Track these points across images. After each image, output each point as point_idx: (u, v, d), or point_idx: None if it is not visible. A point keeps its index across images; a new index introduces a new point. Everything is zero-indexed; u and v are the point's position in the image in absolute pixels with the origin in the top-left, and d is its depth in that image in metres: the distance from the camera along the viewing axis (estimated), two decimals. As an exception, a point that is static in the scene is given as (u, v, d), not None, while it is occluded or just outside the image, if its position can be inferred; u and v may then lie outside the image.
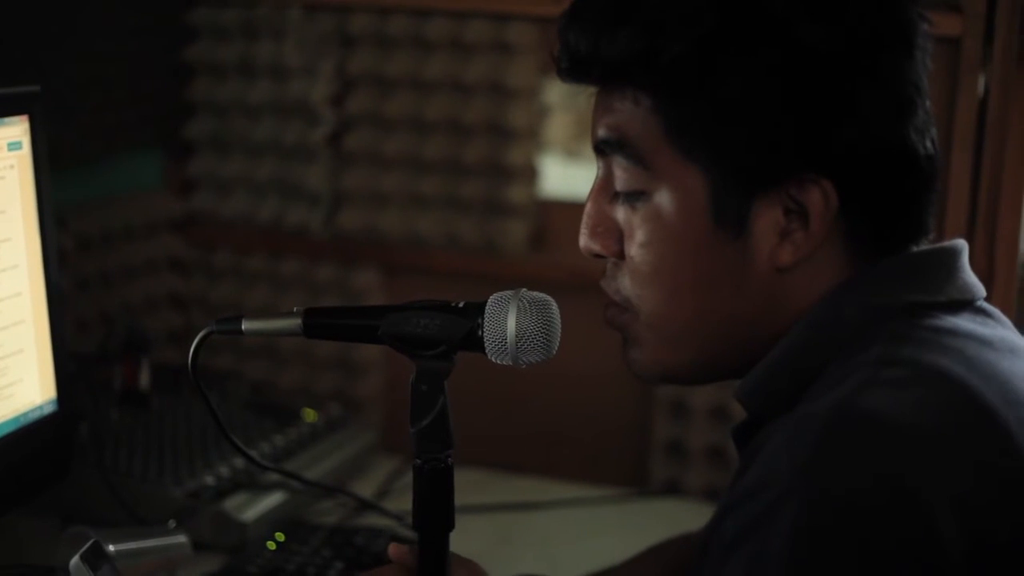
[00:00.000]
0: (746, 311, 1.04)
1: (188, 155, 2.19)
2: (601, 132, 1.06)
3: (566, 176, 2.19)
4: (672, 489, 1.95)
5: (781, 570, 0.87)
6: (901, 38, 1.02)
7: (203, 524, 1.56)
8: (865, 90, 0.99)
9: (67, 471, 1.49)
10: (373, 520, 1.68)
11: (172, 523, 1.50)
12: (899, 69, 1.01)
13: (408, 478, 1.07)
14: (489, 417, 1.97)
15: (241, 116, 2.13)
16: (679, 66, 1.00)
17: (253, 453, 1.56)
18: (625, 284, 1.07)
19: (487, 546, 1.64)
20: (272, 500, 1.65)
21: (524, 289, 1.05)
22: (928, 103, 1.04)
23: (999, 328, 1.03)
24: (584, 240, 1.09)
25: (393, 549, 1.12)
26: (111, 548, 1.33)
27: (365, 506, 1.72)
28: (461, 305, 1.05)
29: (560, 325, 1.04)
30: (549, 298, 1.05)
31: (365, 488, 1.80)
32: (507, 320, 1.02)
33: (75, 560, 1.16)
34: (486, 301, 1.04)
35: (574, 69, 1.06)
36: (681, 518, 1.68)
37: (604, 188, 1.08)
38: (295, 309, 1.08)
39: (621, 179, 1.05)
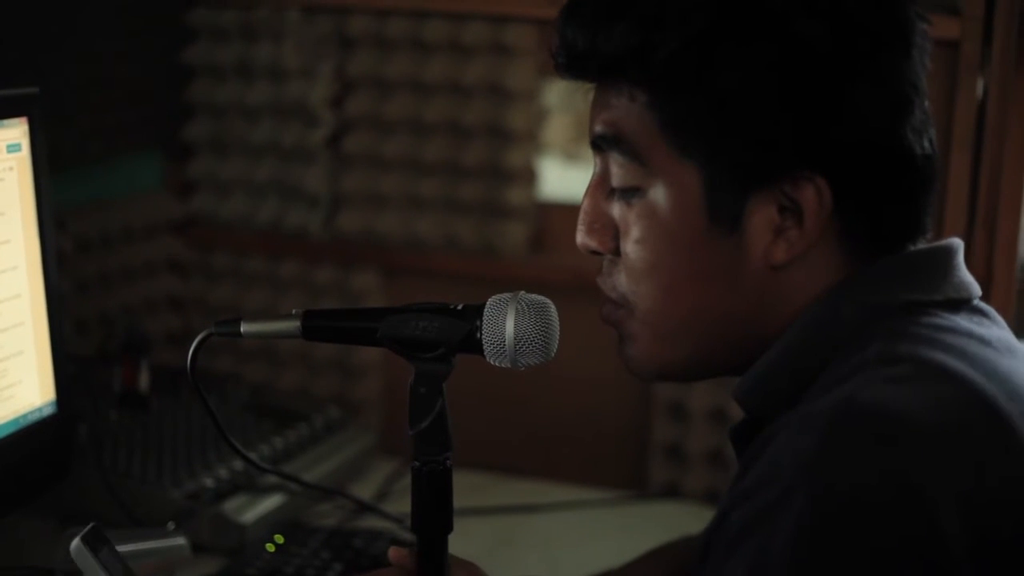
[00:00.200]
0: (741, 308, 1.04)
1: (187, 157, 2.19)
2: (598, 128, 1.06)
3: (565, 178, 2.19)
4: (671, 492, 1.95)
5: (784, 566, 0.87)
6: (898, 36, 1.02)
7: (202, 526, 1.56)
8: (861, 88, 0.99)
9: (66, 473, 1.50)
10: (372, 522, 1.68)
11: (171, 525, 1.50)
12: (896, 67, 1.01)
13: (407, 480, 1.07)
14: (488, 419, 1.97)
15: (240, 118, 2.13)
16: (674, 62, 0.99)
17: (252, 455, 1.56)
18: (621, 281, 1.07)
19: (486, 549, 1.64)
20: (271, 502, 1.65)
21: (523, 292, 1.05)
22: (927, 103, 1.04)
23: (995, 328, 1.03)
24: (580, 236, 1.09)
25: (393, 552, 1.12)
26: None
27: (364, 508, 1.71)
28: (460, 307, 1.05)
29: (559, 327, 1.05)
30: (548, 301, 1.05)
31: (364, 490, 1.80)
32: (506, 323, 1.02)
33: (75, 542, 1.16)
34: (485, 303, 1.04)
35: (571, 65, 1.06)
36: (680, 521, 1.68)
37: (601, 184, 1.08)
38: (294, 311, 1.08)
39: (617, 175, 1.05)
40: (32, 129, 1.40)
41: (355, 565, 1.52)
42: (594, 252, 1.09)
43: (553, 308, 1.05)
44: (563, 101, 2.14)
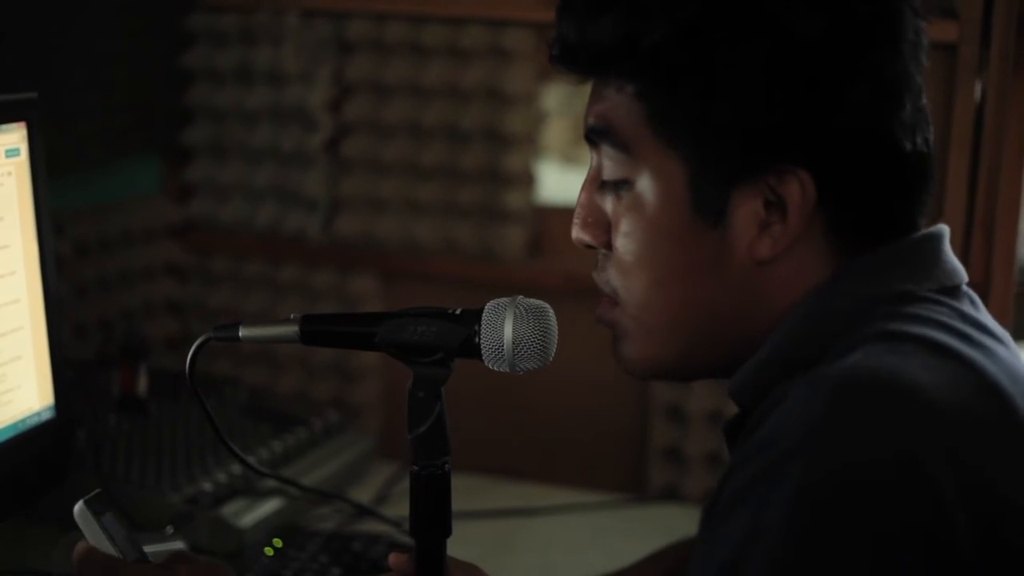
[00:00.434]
0: (728, 303, 1.03)
1: (186, 161, 2.19)
2: (590, 120, 1.06)
3: (563, 182, 2.19)
4: (670, 494, 1.95)
5: (782, 527, 0.86)
6: (887, 31, 1.00)
7: (201, 530, 1.56)
8: (847, 82, 0.98)
9: (65, 477, 1.49)
10: (371, 526, 1.68)
11: (170, 529, 1.50)
12: (884, 62, 1.00)
13: (406, 484, 1.07)
14: (487, 423, 1.98)
15: (239, 122, 2.13)
16: (659, 52, 0.99)
17: (251, 459, 1.57)
18: (613, 274, 1.07)
19: (486, 552, 1.64)
20: (270, 506, 1.65)
21: (521, 296, 1.05)
22: (923, 101, 1.03)
23: (984, 313, 1.03)
24: (575, 231, 1.09)
25: (393, 558, 1.12)
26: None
27: (362, 512, 1.72)
28: (458, 312, 1.05)
29: (557, 332, 1.05)
30: (546, 305, 1.05)
31: (363, 494, 1.80)
32: (504, 327, 1.02)
33: (79, 505, 1.14)
34: (483, 308, 1.04)
35: (563, 56, 1.06)
36: (680, 523, 1.68)
37: (595, 178, 1.08)
38: (292, 316, 1.08)
39: (608, 168, 1.05)
40: (31, 134, 1.40)
41: (354, 569, 1.52)
42: (588, 246, 1.09)
43: (551, 312, 1.05)
44: (562, 105, 2.14)
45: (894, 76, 1.00)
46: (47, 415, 1.46)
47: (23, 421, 1.42)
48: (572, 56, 1.06)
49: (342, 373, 2.13)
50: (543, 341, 1.03)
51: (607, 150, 1.05)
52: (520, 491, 1.89)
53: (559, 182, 2.19)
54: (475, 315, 1.04)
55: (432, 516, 1.05)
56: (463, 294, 1.15)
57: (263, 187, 2.13)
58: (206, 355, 1.10)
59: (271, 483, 1.66)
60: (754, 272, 1.02)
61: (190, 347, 1.10)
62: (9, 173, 1.38)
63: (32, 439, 1.43)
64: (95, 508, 1.14)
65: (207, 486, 1.62)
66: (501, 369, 1.04)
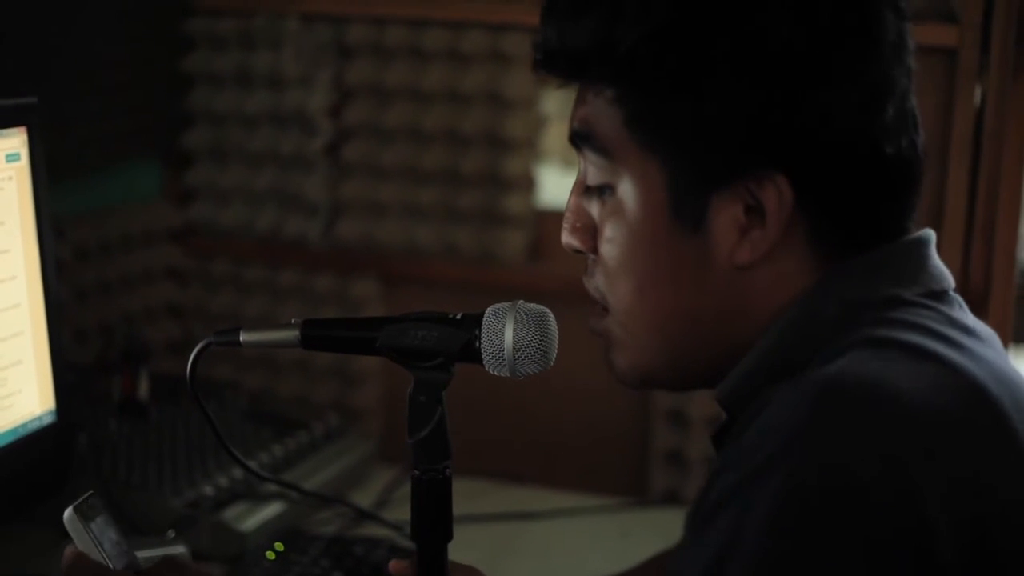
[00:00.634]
0: (712, 309, 1.02)
1: (186, 165, 2.19)
2: (574, 125, 1.06)
3: (564, 186, 2.18)
4: (671, 499, 1.95)
5: (765, 530, 0.86)
6: (865, 33, 0.99)
7: (202, 534, 1.56)
8: (823, 85, 0.97)
9: (66, 481, 1.49)
10: (372, 530, 1.68)
11: (171, 533, 1.50)
12: (863, 66, 0.99)
13: (407, 487, 1.07)
14: (488, 427, 1.98)
15: (239, 126, 2.13)
16: (634, 56, 0.99)
17: (251, 463, 1.56)
18: (600, 280, 1.07)
19: (486, 556, 1.64)
20: (271, 510, 1.65)
21: (521, 301, 1.05)
22: (909, 103, 1.02)
23: (971, 317, 1.03)
24: (564, 236, 1.09)
25: (394, 565, 1.12)
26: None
27: (364, 516, 1.72)
28: (458, 317, 1.05)
29: (557, 336, 1.05)
30: (546, 310, 1.05)
31: (364, 498, 1.80)
32: (504, 332, 1.03)
33: (68, 511, 1.12)
34: (483, 313, 1.04)
35: (545, 61, 1.07)
36: (681, 527, 1.67)
37: (582, 183, 1.08)
38: (293, 321, 1.08)
39: (591, 173, 1.05)
40: (31, 138, 1.41)
41: (355, 573, 1.51)
42: (577, 251, 1.09)
43: (552, 317, 1.05)
44: (562, 109, 2.14)
45: (873, 79, 0.99)
46: (48, 419, 1.46)
47: (24, 425, 1.42)
48: (553, 61, 1.06)
49: (343, 377, 2.13)
50: (544, 345, 1.03)
51: (589, 155, 1.05)
52: (521, 495, 1.89)
53: (559, 186, 2.19)
54: (476, 320, 1.04)
55: (433, 520, 1.05)
56: (463, 298, 1.15)
57: (263, 191, 2.13)
58: (207, 359, 1.10)
59: (272, 487, 1.66)
60: (736, 278, 1.01)
61: (191, 351, 1.10)
62: (9, 177, 1.38)
63: (33, 444, 1.43)
64: (85, 513, 1.13)
65: (208, 490, 1.62)
66: (502, 373, 1.04)
